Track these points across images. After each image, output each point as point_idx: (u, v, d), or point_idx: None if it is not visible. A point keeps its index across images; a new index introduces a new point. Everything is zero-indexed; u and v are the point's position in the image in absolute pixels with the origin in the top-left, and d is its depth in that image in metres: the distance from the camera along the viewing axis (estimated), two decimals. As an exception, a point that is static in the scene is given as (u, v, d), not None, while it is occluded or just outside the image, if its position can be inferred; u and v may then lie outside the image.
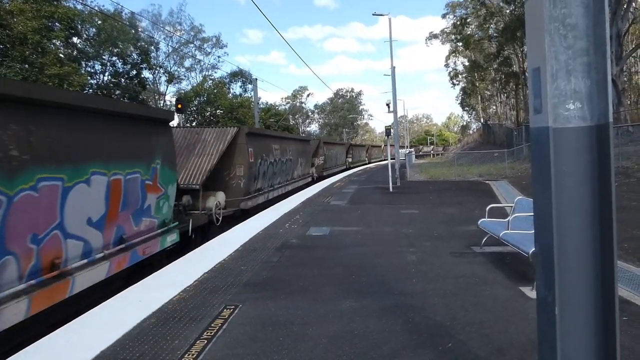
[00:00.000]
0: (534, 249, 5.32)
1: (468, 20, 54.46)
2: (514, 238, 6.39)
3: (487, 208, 8.35)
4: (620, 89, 27.87)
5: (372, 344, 4.26)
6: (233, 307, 5.34)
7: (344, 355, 4.03)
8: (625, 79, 37.33)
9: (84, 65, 40.22)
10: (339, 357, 4.00)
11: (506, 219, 7.43)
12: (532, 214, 2.47)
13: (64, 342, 4.48)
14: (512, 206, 7.97)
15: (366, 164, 59.99)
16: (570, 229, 2.21)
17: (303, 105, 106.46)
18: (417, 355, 3.99)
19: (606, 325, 2.19)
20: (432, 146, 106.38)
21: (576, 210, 2.21)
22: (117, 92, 43.09)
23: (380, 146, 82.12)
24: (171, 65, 57.20)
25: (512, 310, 5.03)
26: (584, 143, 2.19)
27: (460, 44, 58.42)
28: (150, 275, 6.93)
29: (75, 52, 38.82)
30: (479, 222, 7.91)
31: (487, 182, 21.45)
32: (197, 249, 8.73)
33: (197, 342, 4.37)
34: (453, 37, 60.37)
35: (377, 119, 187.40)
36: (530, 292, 5.50)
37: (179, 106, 22.32)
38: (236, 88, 62.19)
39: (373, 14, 27.93)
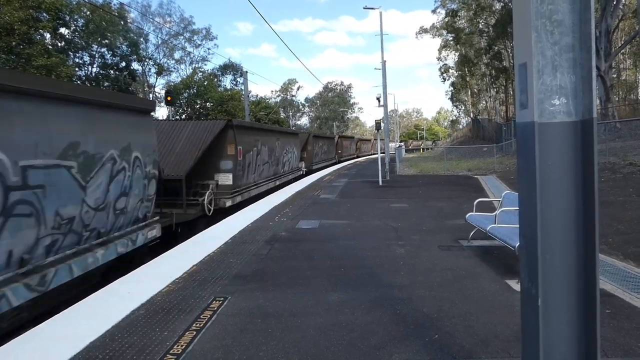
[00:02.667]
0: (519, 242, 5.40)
1: (459, 14, 54.64)
2: (501, 232, 6.47)
3: (475, 202, 8.44)
4: (609, 85, 28.13)
5: (360, 335, 4.31)
6: (222, 298, 5.36)
7: (332, 347, 4.07)
8: (613, 75, 37.70)
9: (72, 57, 39.74)
10: (327, 348, 4.04)
11: (493, 213, 7.51)
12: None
13: (53, 333, 4.48)
14: (499, 200, 8.05)
15: (372, 154, 67.28)
16: (554, 222, 2.25)
17: (293, 98, 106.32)
18: (404, 346, 4.04)
19: (587, 317, 2.24)
20: (422, 141, 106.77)
21: (560, 204, 2.25)
22: (106, 83, 42.69)
23: (383, 140, 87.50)
24: (160, 57, 56.76)
25: (498, 302, 5.10)
26: (569, 138, 2.22)
27: (451, 36, 58.69)
28: (139, 268, 6.92)
29: (63, 43, 38.35)
30: (466, 216, 7.99)
31: (475, 176, 21.60)
32: (186, 241, 8.72)
33: (186, 333, 4.39)
34: (444, 31, 60.60)
35: (367, 112, 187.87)
36: (516, 285, 5.58)
37: (169, 98, 22.24)
38: (227, 81, 61.74)
39: (364, 8, 27.79)
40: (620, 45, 35.86)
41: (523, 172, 2.38)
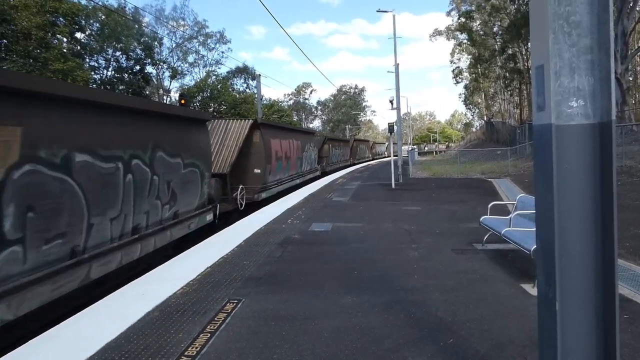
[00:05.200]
0: (535, 246, 5.34)
1: (473, 15, 54.46)
2: (516, 235, 6.41)
3: (489, 205, 8.37)
4: (625, 88, 27.76)
5: (374, 338, 4.29)
6: (236, 301, 5.37)
7: (345, 350, 4.06)
8: (630, 77, 37.20)
9: (87, 61, 40.21)
10: (341, 351, 4.03)
11: (508, 217, 7.44)
12: (534, 211, 2.49)
13: (69, 334, 4.52)
14: (514, 204, 7.98)
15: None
16: (572, 225, 2.23)
17: (306, 101, 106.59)
18: (418, 350, 4.02)
19: (606, 321, 2.21)
20: (435, 144, 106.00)
21: (578, 207, 2.22)
22: (121, 87, 43.11)
23: (407, 143, 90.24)
24: (174, 61, 57.18)
25: (513, 307, 5.05)
26: (587, 140, 2.20)
27: (465, 38, 58.56)
28: (154, 270, 6.97)
29: (78, 48, 38.81)
30: (480, 220, 7.93)
31: (489, 179, 21.43)
32: (199, 244, 8.77)
33: (201, 335, 4.41)
34: (457, 33, 60.46)
35: (380, 115, 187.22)
36: (531, 289, 5.52)
37: (182, 102, 22.38)
38: (239, 84, 61.92)
39: (377, 11, 27.88)
40: (636, 47, 35.35)
41: (540, 175, 2.36)
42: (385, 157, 69.71)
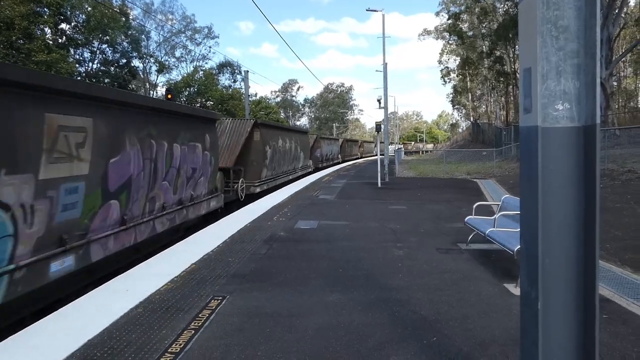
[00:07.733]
0: (519, 246, 5.41)
1: (462, 17, 54.88)
2: (500, 236, 6.48)
3: (474, 206, 8.44)
4: (609, 93, 28.19)
5: (358, 336, 4.31)
6: (221, 298, 5.36)
7: (330, 347, 4.08)
8: (614, 82, 37.78)
9: (72, 53, 39.65)
10: (325, 349, 4.05)
11: (492, 217, 7.52)
12: (518, 212, 2.52)
13: (51, 330, 4.47)
14: (498, 204, 8.07)
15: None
16: (555, 226, 2.26)
17: (293, 98, 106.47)
18: (402, 348, 4.05)
19: (586, 321, 2.25)
20: (421, 143, 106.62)
21: (561, 209, 2.25)
22: (107, 80, 42.64)
23: (412, 143, 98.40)
24: (162, 55, 56.67)
25: (496, 306, 5.11)
26: (572, 143, 2.23)
27: (453, 39, 58.96)
28: (138, 265, 6.92)
29: (63, 39, 38.27)
30: (465, 220, 7.99)
31: (474, 180, 21.62)
32: (185, 239, 8.73)
33: (185, 332, 4.39)
34: (446, 34, 60.88)
35: (367, 114, 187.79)
36: (514, 289, 5.59)
37: (169, 96, 22.20)
38: (224, 80, 61.46)
39: (367, 10, 27.85)
40: (621, 53, 35.93)
41: (525, 176, 2.39)
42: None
